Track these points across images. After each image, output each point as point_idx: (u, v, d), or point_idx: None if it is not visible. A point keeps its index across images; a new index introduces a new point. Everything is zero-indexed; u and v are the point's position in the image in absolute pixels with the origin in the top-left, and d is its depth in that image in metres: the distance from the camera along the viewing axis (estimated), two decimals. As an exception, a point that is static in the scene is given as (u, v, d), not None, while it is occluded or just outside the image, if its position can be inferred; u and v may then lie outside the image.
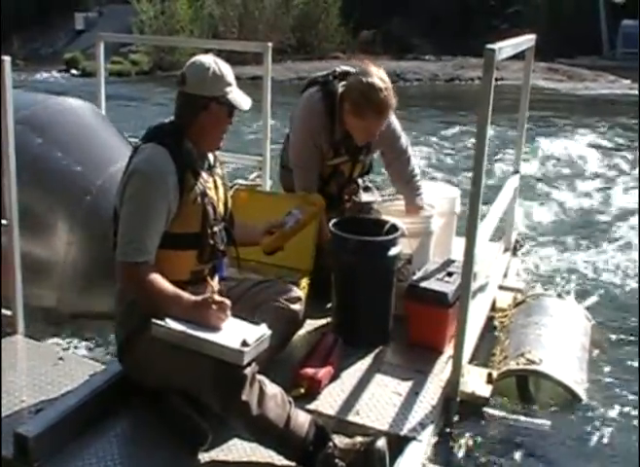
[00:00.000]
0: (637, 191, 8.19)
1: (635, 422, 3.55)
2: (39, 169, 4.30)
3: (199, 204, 2.97)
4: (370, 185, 4.52)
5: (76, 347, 4.04)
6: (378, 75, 3.82)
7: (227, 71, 3.00)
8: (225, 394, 2.69)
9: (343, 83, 3.97)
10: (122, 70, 21.07)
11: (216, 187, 3.12)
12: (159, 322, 2.77)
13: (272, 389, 2.78)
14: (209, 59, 2.99)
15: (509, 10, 23.39)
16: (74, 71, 21.70)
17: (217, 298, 2.81)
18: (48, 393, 3.21)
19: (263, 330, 2.83)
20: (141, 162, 2.91)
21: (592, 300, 5.10)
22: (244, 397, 2.67)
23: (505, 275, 4.98)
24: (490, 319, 4.38)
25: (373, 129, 3.93)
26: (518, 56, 4.66)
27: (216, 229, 3.06)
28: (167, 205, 2.86)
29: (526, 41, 4.22)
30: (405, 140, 4.23)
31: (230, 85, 3.00)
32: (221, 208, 3.14)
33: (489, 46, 2.96)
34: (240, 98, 3.02)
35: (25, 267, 3.70)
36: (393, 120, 4.11)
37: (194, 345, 2.73)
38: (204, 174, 3.04)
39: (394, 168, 4.26)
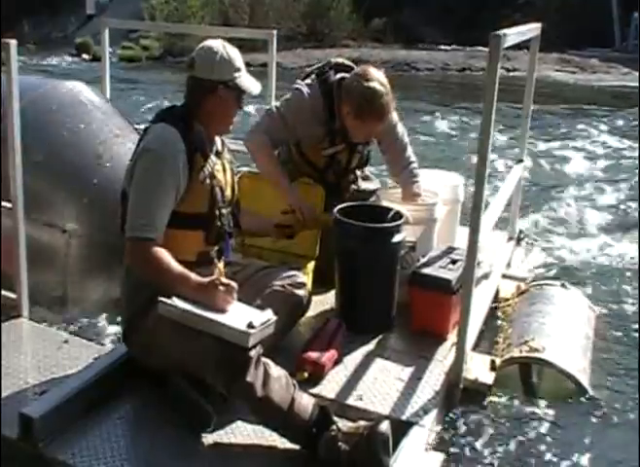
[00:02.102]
0: (637, 188, 8.16)
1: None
2: (42, 153, 4.31)
3: (208, 185, 2.99)
4: (369, 174, 4.52)
5: (80, 331, 4.04)
6: (379, 79, 3.81)
7: (235, 56, 3.02)
8: (230, 375, 2.71)
9: (340, 75, 3.96)
10: (132, 56, 21.09)
11: (224, 170, 3.14)
12: (166, 300, 2.79)
13: (277, 372, 2.80)
14: (218, 44, 3.01)
15: (520, 0, 23.25)
16: (85, 56, 21.73)
17: (224, 280, 2.83)
18: (52, 375, 3.24)
19: (268, 314, 2.84)
20: (152, 141, 2.93)
21: (596, 290, 5.09)
22: (249, 378, 2.68)
23: (508, 265, 4.98)
24: (494, 308, 4.39)
25: (371, 131, 3.97)
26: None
27: (224, 211, 3.09)
28: (177, 184, 2.89)
29: (532, 29, 4.21)
30: (401, 128, 4.23)
31: (238, 70, 3.02)
32: (228, 192, 3.16)
33: (495, 32, 2.98)
34: (249, 83, 3.04)
35: (29, 251, 3.71)
36: None
37: (200, 325, 2.75)
38: (213, 157, 3.06)
39: (390, 155, 4.26)
